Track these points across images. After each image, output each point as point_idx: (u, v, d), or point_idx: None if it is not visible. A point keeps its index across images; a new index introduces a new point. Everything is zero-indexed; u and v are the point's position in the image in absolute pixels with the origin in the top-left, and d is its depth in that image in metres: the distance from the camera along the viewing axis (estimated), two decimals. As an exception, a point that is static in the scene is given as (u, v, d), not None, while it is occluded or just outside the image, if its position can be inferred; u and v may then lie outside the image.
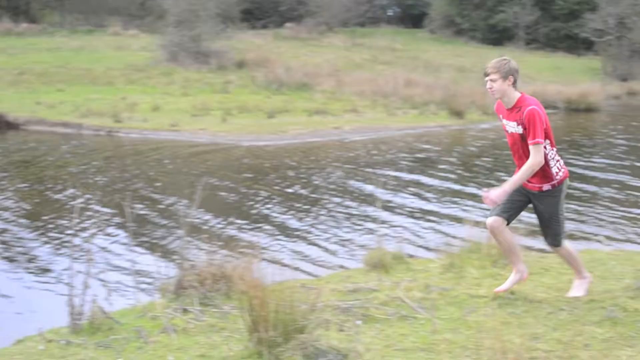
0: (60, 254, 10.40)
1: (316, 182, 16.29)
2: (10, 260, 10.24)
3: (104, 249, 10.59)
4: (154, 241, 11.13)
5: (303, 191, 15.42)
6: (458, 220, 11.95)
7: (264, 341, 5.36)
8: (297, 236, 11.66)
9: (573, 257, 6.81)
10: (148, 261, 9.69)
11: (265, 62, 38.45)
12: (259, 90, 32.05)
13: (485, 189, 6.24)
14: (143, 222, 12.29)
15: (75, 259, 7.15)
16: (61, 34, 51.22)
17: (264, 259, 8.61)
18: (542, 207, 6.50)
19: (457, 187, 15.90)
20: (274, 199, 14.54)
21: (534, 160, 6.14)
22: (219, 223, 12.37)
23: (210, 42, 38.76)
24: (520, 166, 6.38)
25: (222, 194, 14.97)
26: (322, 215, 13.20)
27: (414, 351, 5.57)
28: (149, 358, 5.69)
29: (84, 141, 23.18)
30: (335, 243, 11.26)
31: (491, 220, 6.49)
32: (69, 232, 11.50)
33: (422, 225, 12.34)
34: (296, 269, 9.47)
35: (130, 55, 41.20)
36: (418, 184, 16.19)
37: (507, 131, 6.46)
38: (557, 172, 6.41)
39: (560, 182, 6.45)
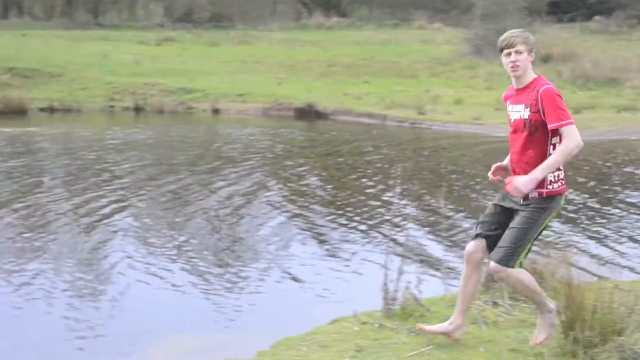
0: (365, 241, 10.78)
1: (618, 180, 15.48)
2: (319, 243, 10.78)
3: (410, 237, 10.82)
4: (458, 234, 11.17)
5: (602, 187, 14.74)
6: None
7: (580, 341, 5.22)
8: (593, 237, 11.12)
9: (527, 285, 5.43)
10: (455, 252, 9.79)
11: (571, 56, 37.10)
12: (565, 85, 30.95)
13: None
14: (444, 213, 12.39)
15: (389, 247, 7.34)
16: (368, 28, 53.15)
17: (574, 258, 8.31)
18: (517, 219, 5.27)
19: None
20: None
21: (572, 142, 5.04)
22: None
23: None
24: (517, 168, 5.34)
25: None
26: (616, 215, 12.50)
27: None
28: (459, 348, 5.73)
29: (388, 131, 23.88)
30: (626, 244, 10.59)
31: None
32: (371, 221, 11.92)
33: None
34: (587, 269, 9.02)
35: (434, 48, 41.78)
36: None
37: (510, 120, 5.39)
38: (551, 181, 5.20)
39: (552, 194, 5.22)
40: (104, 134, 22.98)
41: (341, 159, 18.40)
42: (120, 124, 25.88)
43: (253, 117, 28.13)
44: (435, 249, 10.24)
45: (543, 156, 5.14)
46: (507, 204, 5.37)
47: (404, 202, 13.43)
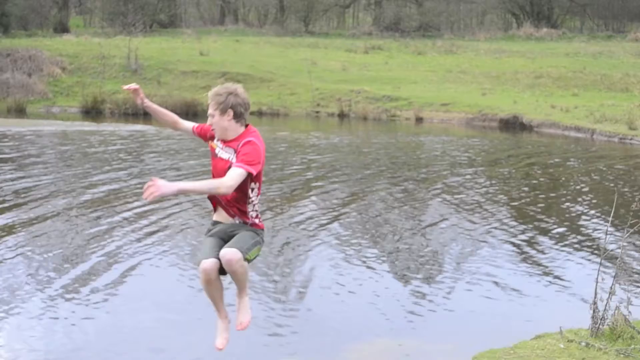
0: (572, 255, 10.48)
1: None
2: (521, 254, 10.59)
3: (627, 254, 10.38)
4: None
5: None
6: None
7: None
8: None
9: (246, 277, 5.26)
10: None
11: None
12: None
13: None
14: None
15: (599, 263, 7.10)
16: (580, 39, 51.37)
17: None
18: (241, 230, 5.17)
19: None
20: None
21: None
22: None
23: None
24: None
25: None
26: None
27: None
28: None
29: (595, 146, 23.02)
30: None
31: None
32: (579, 236, 11.56)
33: None
34: None
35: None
36: None
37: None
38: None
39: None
40: (306, 137, 23.70)
41: (549, 170, 17.97)
42: (323, 130, 26.60)
43: (456, 126, 28.01)
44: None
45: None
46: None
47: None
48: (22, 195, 13.50)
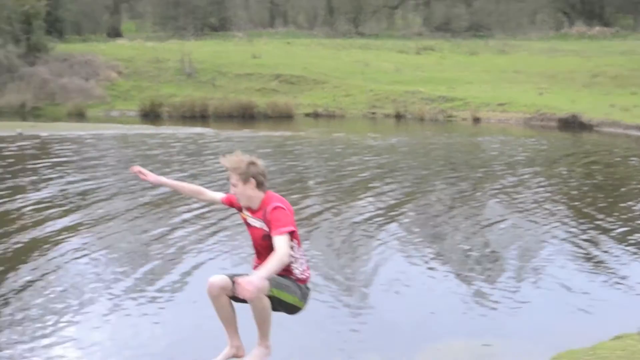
0: (636, 256, 10.24)
1: None
2: (593, 252, 10.37)
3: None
4: None
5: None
6: None
7: None
8: None
9: (268, 315, 5.38)
10: None
11: None
12: None
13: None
14: None
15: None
16: (634, 37, 50.46)
17: None
18: None
19: None
20: None
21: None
22: None
23: None
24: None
25: None
26: None
27: None
28: None
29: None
30: None
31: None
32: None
33: None
34: None
35: None
36: None
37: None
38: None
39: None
40: (363, 138, 23.64)
41: (610, 170, 17.64)
42: (380, 131, 26.50)
43: (514, 126, 27.70)
44: None
45: None
46: None
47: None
48: (86, 197, 13.68)
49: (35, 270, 9.09)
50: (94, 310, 7.74)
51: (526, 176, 16.64)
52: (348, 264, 9.82)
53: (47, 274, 8.96)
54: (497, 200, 14.12)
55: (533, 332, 7.31)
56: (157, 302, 8.09)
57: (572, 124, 26.82)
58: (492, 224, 12.07)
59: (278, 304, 5.40)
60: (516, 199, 14.14)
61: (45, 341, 6.82)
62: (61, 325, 7.26)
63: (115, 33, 57.78)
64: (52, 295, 8.16)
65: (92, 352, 6.68)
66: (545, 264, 9.81)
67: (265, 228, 5.36)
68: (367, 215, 12.55)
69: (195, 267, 9.42)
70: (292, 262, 5.39)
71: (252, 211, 5.48)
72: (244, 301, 5.35)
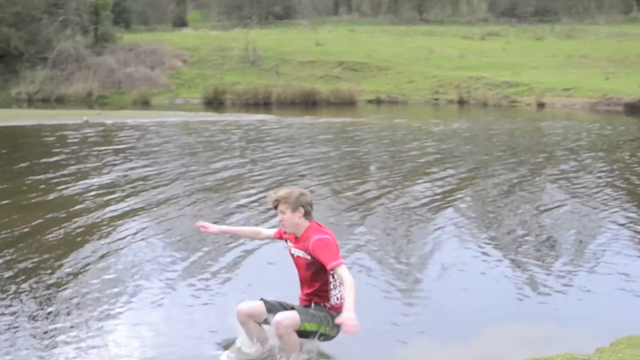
0: None
1: None
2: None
3: None
4: None
5: None
6: None
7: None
8: None
9: (296, 346, 5.78)
10: None
11: None
12: None
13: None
14: None
15: None
16: None
17: None
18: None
19: None
20: None
21: None
22: None
23: None
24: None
25: None
26: None
27: None
28: None
29: None
30: None
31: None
32: None
33: None
34: None
35: None
36: None
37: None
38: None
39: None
40: (424, 124, 23.48)
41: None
42: (442, 117, 26.29)
43: (579, 111, 27.19)
44: None
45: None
46: None
47: None
48: (146, 182, 13.91)
49: (95, 252, 9.28)
50: (149, 293, 7.84)
51: (588, 161, 16.35)
52: (403, 249, 9.79)
53: (105, 256, 9.14)
54: (557, 185, 13.90)
55: (590, 319, 7.19)
56: (211, 286, 8.16)
57: (639, 109, 26.20)
58: (550, 209, 11.89)
59: (309, 334, 5.82)
60: (576, 184, 13.89)
61: (101, 323, 6.93)
62: (117, 307, 7.38)
63: (180, 23, 58.47)
64: (109, 277, 8.32)
65: (146, 334, 6.78)
66: (604, 249, 9.62)
67: (307, 257, 5.82)
68: (424, 200, 12.48)
69: (250, 252, 9.49)
70: (331, 289, 5.86)
71: (295, 241, 5.92)
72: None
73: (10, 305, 7.28)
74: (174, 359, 6.22)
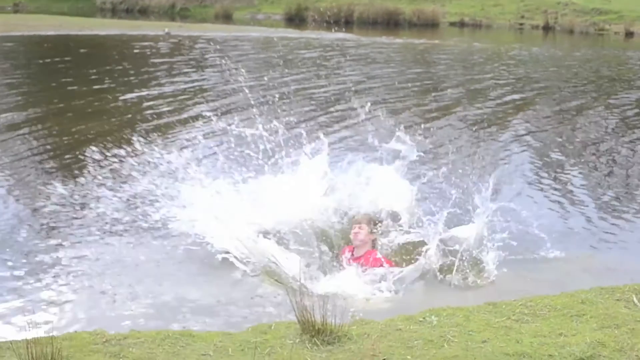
0: None
1: None
2: None
3: None
4: None
5: None
6: None
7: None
8: None
9: None
10: None
11: None
12: None
13: None
14: None
15: None
16: None
17: None
18: None
19: None
20: None
21: None
22: None
23: None
24: None
25: None
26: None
27: None
28: None
29: None
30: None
31: None
32: None
33: None
34: None
35: None
36: None
37: None
38: None
39: None
40: (506, 50, 22.93)
41: None
42: (525, 41, 25.64)
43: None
44: None
45: None
46: None
47: None
48: (215, 90, 14.05)
49: (163, 150, 9.39)
50: (212, 182, 7.86)
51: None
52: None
53: (170, 152, 9.19)
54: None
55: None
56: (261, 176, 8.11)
57: None
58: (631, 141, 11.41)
59: None
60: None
61: (161, 212, 7.13)
62: (181, 196, 7.48)
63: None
64: (172, 174, 8.40)
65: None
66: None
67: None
68: (511, 134, 11.79)
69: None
70: None
71: (354, 259, 6.42)
72: None
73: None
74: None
